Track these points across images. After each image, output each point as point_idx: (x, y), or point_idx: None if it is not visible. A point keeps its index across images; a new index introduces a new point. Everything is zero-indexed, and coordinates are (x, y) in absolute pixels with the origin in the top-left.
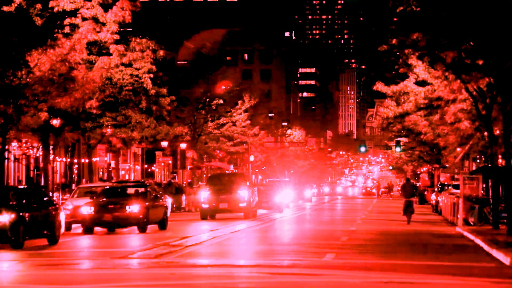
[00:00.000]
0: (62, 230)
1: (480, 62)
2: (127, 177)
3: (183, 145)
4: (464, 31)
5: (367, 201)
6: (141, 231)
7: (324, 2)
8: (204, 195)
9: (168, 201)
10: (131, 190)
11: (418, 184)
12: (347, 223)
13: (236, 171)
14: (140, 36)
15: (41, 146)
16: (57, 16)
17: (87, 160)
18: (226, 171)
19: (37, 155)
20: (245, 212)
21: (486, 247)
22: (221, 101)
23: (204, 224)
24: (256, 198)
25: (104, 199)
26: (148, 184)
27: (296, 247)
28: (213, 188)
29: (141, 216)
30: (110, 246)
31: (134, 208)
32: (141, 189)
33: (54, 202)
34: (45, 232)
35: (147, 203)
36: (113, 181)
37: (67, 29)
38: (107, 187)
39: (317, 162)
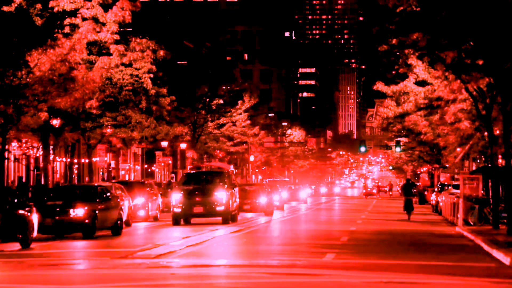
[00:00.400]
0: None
1: (480, 62)
2: (127, 177)
3: (183, 145)
4: (464, 31)
5: (367, 201)
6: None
7: (324, 2)
8: (176, 197)
9: (141, 199)
10: (80, 190)
11: (418, 183)
12: (347, 223)
13: (214, 168)
14: (140, 36)
15: (41, 146)
16: (57, 16)
17: (87, 160)
18: (200, 169)
19: (37, 155)
20: (223, 216)
21: (486, 247)
22: (221, 101)
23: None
24: (237, 200)
25: (46, 201)
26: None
27: (292, 247)
28: (187, 189)
29: (86, 221)
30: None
31: (78, 211)
32: (91, 189)
33: (27, 203)
34: (18, 235)
35: (95, 206)
36: (113, 181)
37: (67, 29)
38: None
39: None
